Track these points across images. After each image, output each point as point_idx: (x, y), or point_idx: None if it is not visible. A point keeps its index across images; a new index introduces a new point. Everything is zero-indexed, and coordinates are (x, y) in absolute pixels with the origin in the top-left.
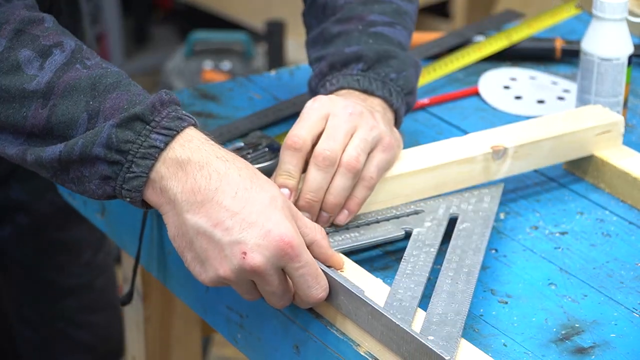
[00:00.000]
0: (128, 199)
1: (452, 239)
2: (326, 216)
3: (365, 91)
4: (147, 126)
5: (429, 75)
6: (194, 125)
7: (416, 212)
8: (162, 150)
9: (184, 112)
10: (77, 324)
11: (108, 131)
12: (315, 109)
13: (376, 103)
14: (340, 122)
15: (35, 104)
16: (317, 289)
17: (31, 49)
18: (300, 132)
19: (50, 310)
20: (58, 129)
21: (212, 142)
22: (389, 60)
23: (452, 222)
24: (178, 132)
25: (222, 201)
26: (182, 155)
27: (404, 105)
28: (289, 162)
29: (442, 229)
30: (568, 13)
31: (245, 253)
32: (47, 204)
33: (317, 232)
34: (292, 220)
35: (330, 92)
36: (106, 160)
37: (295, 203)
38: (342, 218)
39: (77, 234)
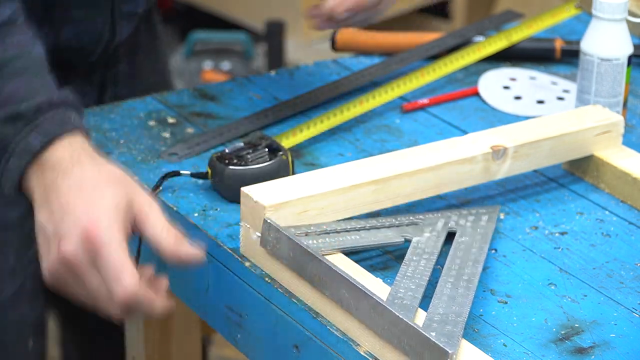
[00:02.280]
0: (6, 188)
1: (452, 249)
2: None
3: None
4: (27, 127)
5: (429, 75)
6: (79, 130)
7: (415, 224)
8: (37, 152)
9: (74, 115)
10: None
11: None
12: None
13: None
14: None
15: None
16: (118, 284)
17: None
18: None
19: None
20: None
21: (86, 152)
22: None
23: (450, 235)
24: (57, 137)
25: (59, 195)
26: (49, 158)
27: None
28: None
29: (442, 240)
30: (568, 13)
31: (60, 241)
32: None
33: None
34: (118, 214)
35: None
36: None
37: None
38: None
39: None
